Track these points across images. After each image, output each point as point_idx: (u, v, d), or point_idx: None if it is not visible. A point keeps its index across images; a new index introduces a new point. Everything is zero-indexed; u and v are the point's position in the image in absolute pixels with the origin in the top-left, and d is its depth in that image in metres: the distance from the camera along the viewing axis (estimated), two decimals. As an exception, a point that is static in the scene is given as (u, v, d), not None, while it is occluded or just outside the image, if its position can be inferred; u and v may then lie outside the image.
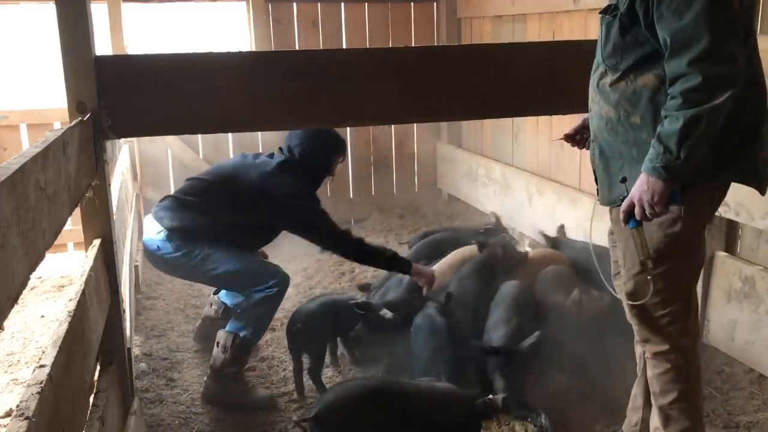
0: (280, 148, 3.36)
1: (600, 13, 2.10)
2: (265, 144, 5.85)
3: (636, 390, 2.49)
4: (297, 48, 5.78)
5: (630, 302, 2.19)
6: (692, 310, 2.23)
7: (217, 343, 3.14)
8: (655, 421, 2.31)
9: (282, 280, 3.22)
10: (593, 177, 2.27)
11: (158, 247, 3.22)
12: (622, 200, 1.98)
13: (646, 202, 1.87)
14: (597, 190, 2.26)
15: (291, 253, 5.16)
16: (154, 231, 3.24)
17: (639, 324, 2.24)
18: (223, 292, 3.64)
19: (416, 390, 2.54)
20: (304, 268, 4.96)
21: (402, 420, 2.41)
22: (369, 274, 4.48)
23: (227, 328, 3.17)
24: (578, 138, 2.45)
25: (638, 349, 2.45)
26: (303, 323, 3.17)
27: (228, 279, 3.23)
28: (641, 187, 1.88)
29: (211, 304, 3.69)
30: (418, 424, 2.45)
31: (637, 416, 2.49)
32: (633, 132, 2.00)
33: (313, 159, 3.30)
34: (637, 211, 1.91)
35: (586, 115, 2.38)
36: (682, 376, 2.21)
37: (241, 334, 3.12)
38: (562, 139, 2.50)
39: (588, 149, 2.34)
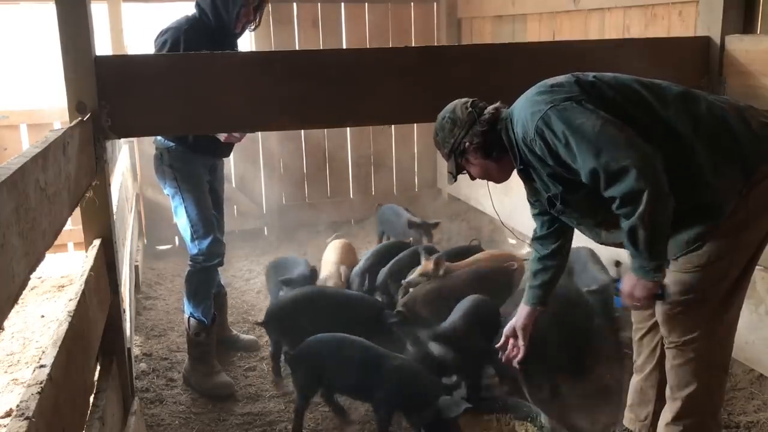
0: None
1: (550, 210, 2.25)
2: (265, 144, 5.86)
3: (644, 384, 2.47)
4: (297, 48, 5.78)
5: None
6: (739, 298, 2.21)
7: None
8: (666, 414, 2.28)
9: (209, 256, 3.26)
10: None
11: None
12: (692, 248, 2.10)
13: (636, 298, 2.08)
14: None
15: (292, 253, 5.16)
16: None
17: (669, 317, 2.20)
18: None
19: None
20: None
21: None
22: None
23: None
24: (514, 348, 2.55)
25: (644, 343, 2.44)
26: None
27: (179, 216, 3.29)
28: (632, 284, 2.07)
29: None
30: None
31: (646, 410, 2.47)
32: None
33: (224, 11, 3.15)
34: (628, 301, 2.12)
35: (512, 325, 2.53)
36: (705, 368, 2.18)
37: (185, 315, 3.35)
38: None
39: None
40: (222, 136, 3.22)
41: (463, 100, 2.31)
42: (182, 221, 3.26)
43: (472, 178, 2.37)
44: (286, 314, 3.34)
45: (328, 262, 4.17)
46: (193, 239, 3.25)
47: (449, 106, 2.33)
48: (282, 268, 4.17)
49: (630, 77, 2.17)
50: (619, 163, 1.90)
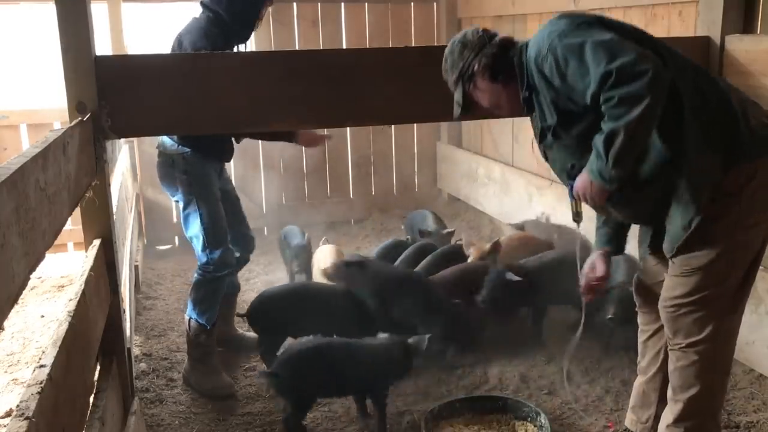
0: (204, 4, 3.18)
1: (540, 143, 2.25)
2: (265, 144, 5.86)
3: (647, 386, 2.47)
4: (297, 48, 5.78)
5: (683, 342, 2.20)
6: (742, 301, 2.20)
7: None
8: (667, 416, 2.28)
9: (219, 266, 3.22)
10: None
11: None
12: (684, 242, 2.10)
13: (589, 198, 2.12)
14: (649, 246, 2.37)
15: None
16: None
17: (674, 318, 2.19)
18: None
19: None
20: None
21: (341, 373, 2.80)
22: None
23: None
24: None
25: (649, 345, 2.44)
26: None
27: (190, 224, 3.22)
28: (584, 185, 2.10)
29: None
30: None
31: (648, 413, 2.47)
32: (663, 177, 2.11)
33: (242, 11, 3.14)
34: (581, 199, 2.18)
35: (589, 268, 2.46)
36: (708, 371, 2.18)
37: (186, 317, 3.31)
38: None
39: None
40: (303, 137, 3.32)
41: (474, 26, 2.31)
42: (195, 229, 3.20)
43: (476, 115, 2.36)
44: (270, 308, 3.33)
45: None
46: (204, 248, 3.20)
47: (459, 33, 2.32)
48: (287, 237, 4.63)
49: (652, 36, 2.16)
50: (636, 67, 1.88)
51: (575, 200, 2.26)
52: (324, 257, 4.23)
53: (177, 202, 3.32)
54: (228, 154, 3.41)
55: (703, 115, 2.05)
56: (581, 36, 1.98)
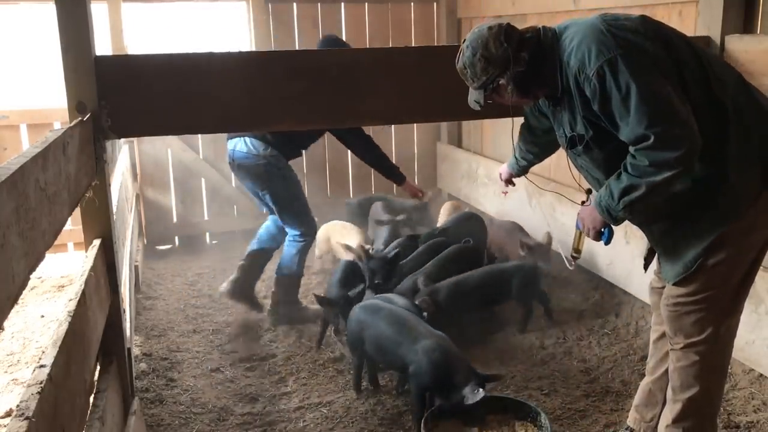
0: None
1: (569, 149, 2.21)
2: (265, 144, 5.85)
3: (654, 386, 2.46)
4: (297, 48, 5.78)
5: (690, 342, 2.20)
6: (741, 302, 2.21)
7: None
8: (666, 416, 2.28)
9: (310, 232, 4.04)
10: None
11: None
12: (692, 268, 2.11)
13: (586, 228, 2.21)
14: (657, 271, 2.37)
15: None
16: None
17: (675, 318, 2.19)
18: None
19: None
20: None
21: None
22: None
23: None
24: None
25: (659, 346, 2.44)
26: None
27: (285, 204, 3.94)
28: (588, 213, 2.19)
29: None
30: None
31: (653, 412, 2.47)
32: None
33: None
34: (581, 225, 2.26)
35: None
36: (707, 372, 2.18)
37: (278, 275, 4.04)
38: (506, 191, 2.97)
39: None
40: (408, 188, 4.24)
41: (495, 29, 2.08)
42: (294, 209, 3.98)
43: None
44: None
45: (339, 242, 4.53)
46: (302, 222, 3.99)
47: (478, 39, 2.09)
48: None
49: (696, 46, 2.08)
50: (674, 137, 1.87)
51: (580, 232, 2.31)
52: (336, 231, 4.73)
53: (264, 196, 3.92)
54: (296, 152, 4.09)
55: (742, 128, 2.01)
56: (631, 75, 1.88)
